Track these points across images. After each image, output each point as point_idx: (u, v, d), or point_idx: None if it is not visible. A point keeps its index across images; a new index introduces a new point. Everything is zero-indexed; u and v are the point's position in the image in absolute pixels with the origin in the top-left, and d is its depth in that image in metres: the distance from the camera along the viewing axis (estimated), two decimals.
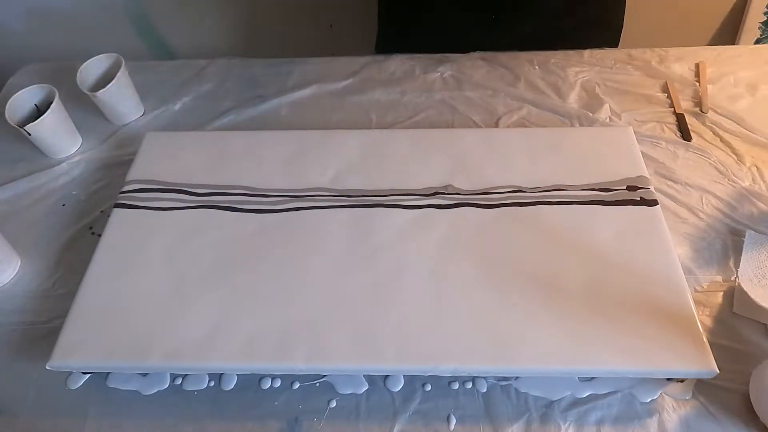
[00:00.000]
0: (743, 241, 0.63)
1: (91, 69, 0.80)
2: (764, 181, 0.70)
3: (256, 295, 0.58)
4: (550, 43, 0.88)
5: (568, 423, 0.53)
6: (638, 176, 0.66)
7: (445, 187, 0.66)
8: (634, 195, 0.64)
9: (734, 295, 0.60)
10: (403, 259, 0.60)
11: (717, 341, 0.56)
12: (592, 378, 0.55)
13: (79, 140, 0.80)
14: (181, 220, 0.65)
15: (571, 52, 0.87)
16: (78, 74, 0.78)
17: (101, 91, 0.76)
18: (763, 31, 1.34)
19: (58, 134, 0.77)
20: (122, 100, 0.80)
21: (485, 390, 0.55)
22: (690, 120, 0.77)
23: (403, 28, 0.95)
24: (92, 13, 1.34)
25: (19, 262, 0.67)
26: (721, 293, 0.60)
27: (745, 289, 0.59)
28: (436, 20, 0.89)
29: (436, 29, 0.90)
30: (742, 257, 0.62)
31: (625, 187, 0.65)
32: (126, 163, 0.73)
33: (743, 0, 1.32)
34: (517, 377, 0.55)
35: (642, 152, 0.69)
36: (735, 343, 0.57)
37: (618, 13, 0.92)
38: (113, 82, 0.77)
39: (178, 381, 0.57)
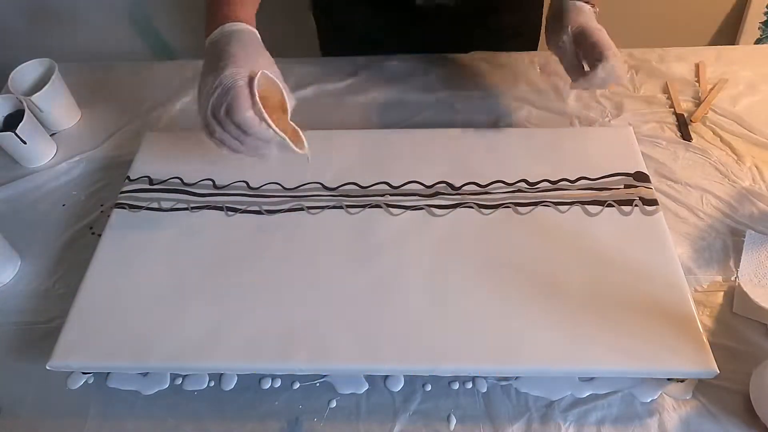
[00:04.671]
0: (743, 241, 0.64)
1: (25, 74, 0.79)
2: (764, 181, 0.70)
3: (256, 295, 0.58)
4: (464, 48, 0.89)
5: (568, 423, 0.53)
6: (638, 176, 0.66)
7: (445, 187, 0.66)
8: (634, 195, 0.64)
9: (734, 295, 0.60)
10: (404, 259, 0.60)
11: (717, 341, 0.56)
12: (593, 378, 0.55)
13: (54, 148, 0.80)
14: (181, 221, 0.65)
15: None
16: (10, 80, 0.77)
17: (36, 95, 0.76)
18: (763, 31, 1.34)
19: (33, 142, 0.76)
20: (57, 105, 0.80)
21: (485, 390, 0.55)
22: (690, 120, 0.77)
23: (336, 32, 0.96)
24: (92, 13, 1.34)
25: (19, 262, 0.67)
26: (722, 293, 0.60)
27: (745, 289, 0.59)
28: (355, 25, 0.89)
29: (354, 33, 0.91)
30: (742, 257, 0.62)
31: (625, 187, 0.65)
32: (126, 163, 0.73)
33: (743, 0, 1.32)
34: (517, 377, 0.55)
35: (642, 152, 0.69)
36: (735, 343, 0.57)
37: (534, 23, 0.93)
38: (47, 86, 0.76)
39: (179, 381, 0.57)
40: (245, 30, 0.58)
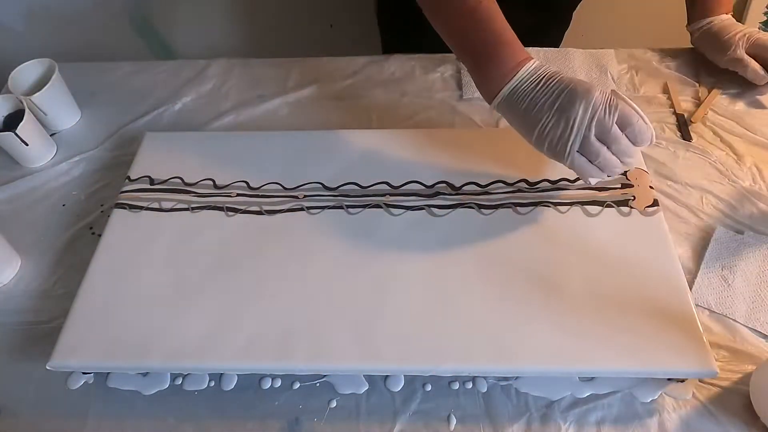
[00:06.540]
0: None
1: (25, 74, 0.79)
2: (764, 181, 0.70)
3: (256, 295, 0.58)
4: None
5: (568, 423, 0.53)
6: (638, 176, 0.66)
7: (445, 187, 0.66)
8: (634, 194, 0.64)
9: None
10: (404, 259, 0.60)
11: (717, 341, 0.56)
12: (593, 378, 0.55)
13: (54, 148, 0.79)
14: (181, 221, 0.65)
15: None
16: (10, 80, 0.77)
17: (36, 95, 0.76)
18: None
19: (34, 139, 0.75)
20: (57, 105, 0.80)
21: (485, 390, 0.55)
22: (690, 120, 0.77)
23: (403, 34, 0.95)
24: (92, 13, 1.34)
25: (19, 262, 0.67)
26: None
27: (700, 283, 0.60)
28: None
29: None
30: (707, 252, 0.63)
31: (624, 187, 0.65)
32: (126, 163, 0.73)
33: (743, 0, 1.32)
34: (517, 377, 0.55)
35: (642, 152, 0.69)
36: (735, 343, 0.57)
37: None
38: (48, 86, 0.76)
39: (179, 381, 0.57)
40: (543, 65, 0.58)
